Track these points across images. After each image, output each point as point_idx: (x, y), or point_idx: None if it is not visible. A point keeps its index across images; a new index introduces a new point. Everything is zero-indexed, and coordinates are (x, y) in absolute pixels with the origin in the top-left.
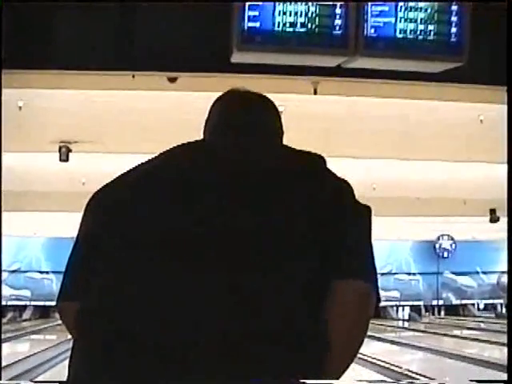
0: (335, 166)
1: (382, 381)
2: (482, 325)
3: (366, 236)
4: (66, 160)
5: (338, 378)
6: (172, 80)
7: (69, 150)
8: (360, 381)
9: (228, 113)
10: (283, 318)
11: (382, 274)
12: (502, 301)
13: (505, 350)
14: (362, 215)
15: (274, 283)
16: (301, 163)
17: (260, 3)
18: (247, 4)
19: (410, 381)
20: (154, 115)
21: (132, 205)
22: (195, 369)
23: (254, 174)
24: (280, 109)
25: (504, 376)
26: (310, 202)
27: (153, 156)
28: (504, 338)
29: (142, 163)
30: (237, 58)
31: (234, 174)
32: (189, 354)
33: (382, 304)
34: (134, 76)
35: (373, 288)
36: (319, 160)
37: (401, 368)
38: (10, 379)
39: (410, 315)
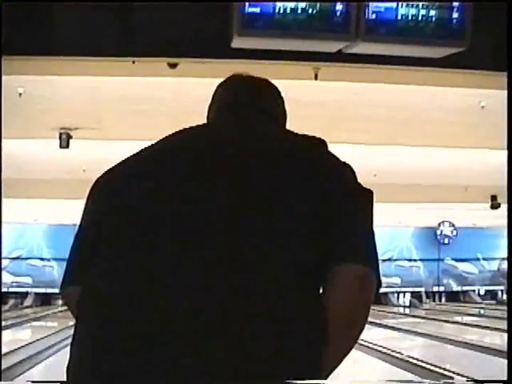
0: (335, 152)
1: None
2: (483, 311)
3: (368, 220)
4: (67, 147)
5: (337, 365)
6: (172, 66)
7: (69, 137)
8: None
9: (231, 97)
10: (281, 302)
11: (383, 261)
12: (502, 287)
13: (505, 335)
14: (363, 199)
15: (272, 266)
16: (302, 146)
17: None
18: None
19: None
20: (155, 101)
21: (133, 189)
22: (192, 352)
23: (255, 156)
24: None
25: (504, 374)
26: (311, 184)
27: (154, 141)
28: (504, 325)
29: (145, 148)
30: (237, 43)
31: (235, 156)
32: (188, 338)
33: (383, 290)
34: (134, 62)
35: (373, 272)
36: (321, 143)
37: (402, 354)
38: (12, 366)
39: (410, 301)
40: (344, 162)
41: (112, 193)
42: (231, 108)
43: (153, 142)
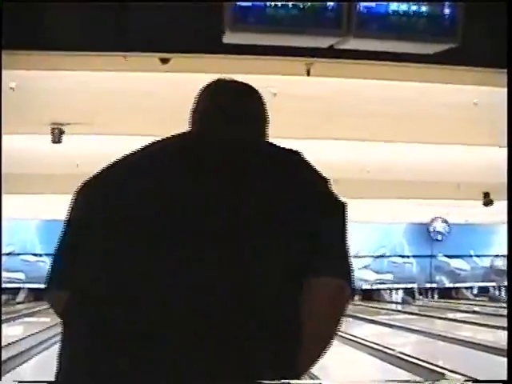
0: (329, 148)
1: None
2: (475, 308)
3: (342, 232)
4: (59, 142)
5: (311, 366)
6: (164, 61)
7: (61, 132)
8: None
9: (214, 103)
10: (255, 311)
11: (376, 257)
12: (494, 284)
13: (498, 332)
14: (337, 211)
15: (246, 275)
16: (281, 157)
17: None
18: None
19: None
20: (148, 96)
21: (120, 193)
22: (179, 353)
23: (234, 165)
24: (273, 90)
25: (496, 370)
26: (287, 195)
27: (142, 144)
28: (497, 321)
29: (130, 154)
30: (229, 38)
31: (215, 165)
32: (175, 339)
33: (376, 287)
34: (126, 57)
35: (346, 284)
36: (297, 155)
37: (394, 350)
38: (4, 361)
39: (403, 298)
40: (319, 173)
41: (99, 194)
42: (213, 115)
43: (137, 148)
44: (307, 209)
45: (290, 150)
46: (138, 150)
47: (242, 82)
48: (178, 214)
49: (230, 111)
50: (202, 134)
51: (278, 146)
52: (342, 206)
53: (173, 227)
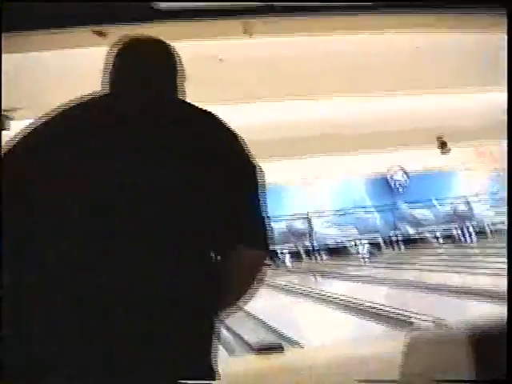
0: (279, 106)
1: None
2: (441, 253)
3: (253, 194)
4: (7, 129)
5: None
6: (100, 34)
7: (8, 119)
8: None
9: (127, 64)
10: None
11: (339, 213)
12: (457, 228)
13: (467, 277)
14: (248, 175)
15: (162, 242)
16: (194, 118)
17: None
18: None
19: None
20: (95, 74)
21: (36, 169)
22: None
23: (149, 126)
24: (216, 54)
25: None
26: (201, 159)
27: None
28: (462, 264)
29: (41, 125)
30: (161, 4)
31: (131, 129)
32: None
33: (341, 241)
34: (56, 33)
35: (259, 247)
36: (213, 116)
37: (366, 305)
38: None
39: (370, 251)
40: (234, 134)
41: (19, 175)
42: (126, 77)
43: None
44: (221, 175)
45: (206, 112)
46: (46, 123)
47: (156, 39)
48: (105, 182)
49: (147, 71)
50: (121, 95)
51: (196, 107)
52: (253, 170)
53: (90, 203)
